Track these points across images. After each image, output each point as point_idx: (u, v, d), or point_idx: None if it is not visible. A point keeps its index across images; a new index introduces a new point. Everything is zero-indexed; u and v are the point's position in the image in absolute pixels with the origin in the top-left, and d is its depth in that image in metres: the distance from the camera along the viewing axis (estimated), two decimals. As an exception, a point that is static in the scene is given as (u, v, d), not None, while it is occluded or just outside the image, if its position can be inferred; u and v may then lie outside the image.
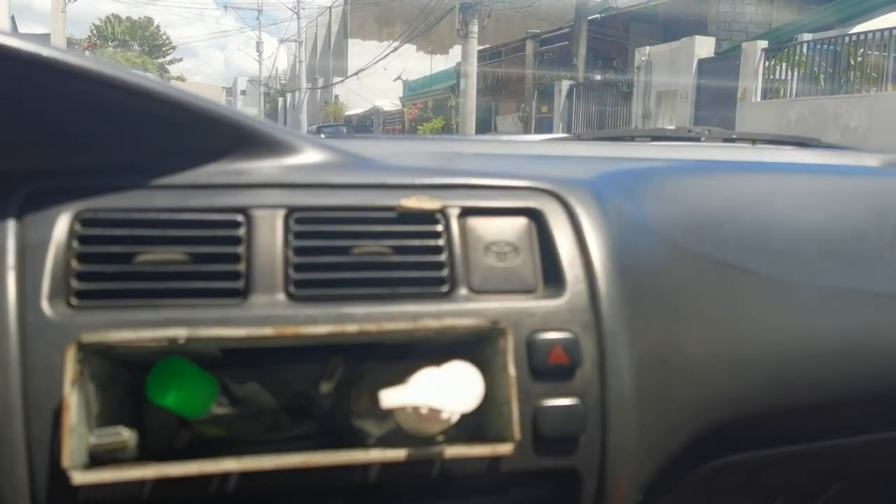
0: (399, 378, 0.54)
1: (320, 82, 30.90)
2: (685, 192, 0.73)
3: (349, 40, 29.36)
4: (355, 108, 27.25)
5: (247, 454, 0.50)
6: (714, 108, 10.39)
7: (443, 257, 0.59)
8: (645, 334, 0.61)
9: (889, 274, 0.75)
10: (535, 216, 0.62)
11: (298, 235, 0.57)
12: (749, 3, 13.92)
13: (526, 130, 15.58)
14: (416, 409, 0.50)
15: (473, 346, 0.58)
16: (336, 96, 29.02)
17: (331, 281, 0.56)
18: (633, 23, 15.36)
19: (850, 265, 0.74)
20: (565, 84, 14.22)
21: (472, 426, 0.58)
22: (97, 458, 0.49)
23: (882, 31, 8.76)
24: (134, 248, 0.55)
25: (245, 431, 0.58)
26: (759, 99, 9.97)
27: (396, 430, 0.55)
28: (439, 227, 0.60)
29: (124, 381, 0.55)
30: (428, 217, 0.60)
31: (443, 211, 0.60)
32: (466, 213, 0.61)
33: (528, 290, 0.59)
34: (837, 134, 8.60)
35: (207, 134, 0.59)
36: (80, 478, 0.45)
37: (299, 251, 0.57)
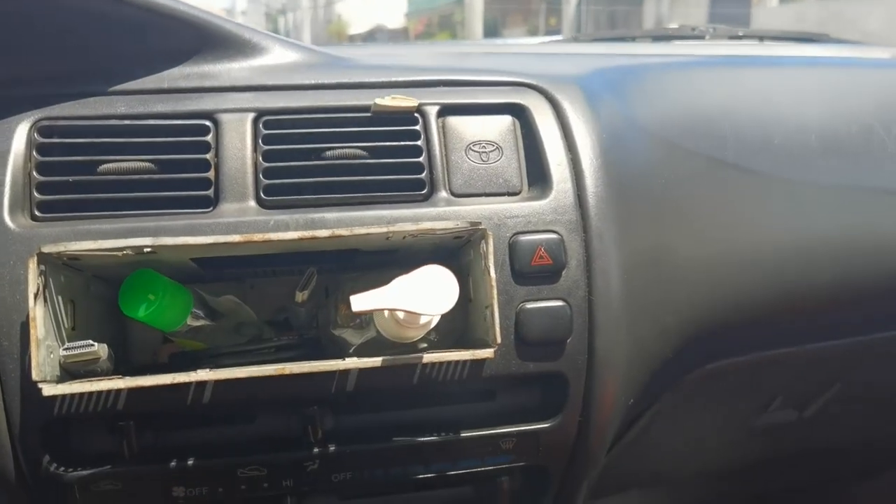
0: (376, 286, 0.53)
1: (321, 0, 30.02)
2: (680, 88, 0.69)
3: (350, -47, 28.36)
4: (358, 28, 26.56)
5: (226, 367, 0.49)
6: (729, 11, 10.04)
7: (421, 159, 0.56)
8: (635, 235, 0.58)
9: (894, 169, 0.72)
10: (519, 113, 0.59)
11: (268, 140, 0.55)
12: None
13: (534, 44, 15.18)
14: (392, 314, 0.49)
15: (456, 250, 0.56)
16: (339, 15, 28.24)
17: (303, 186, 0.54)
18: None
19: (854, 161, 0.71)
20: (573, -7, 13.74)
21: (458, 332, 0.57)
22: (74, 374, 0.48)
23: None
24: (96, 157, 0.52)
25: (228, 345, 0.57)
26: (776, 3, 9.61)
27: (377, 338, 0.54)
28: (417, 127, 0.57)
29: (103, 297, 0.54)
30: (405, 117, 0.57)
31: (420, 109, 0.57)
32: (446, 111, 0.58)
33: (511, 192, 0.57)
34: (857, 38, 8.32)
35: (169, 34, 0.56)
36: (49, 390, 0.45)
37: (269, 156, 0.54)
